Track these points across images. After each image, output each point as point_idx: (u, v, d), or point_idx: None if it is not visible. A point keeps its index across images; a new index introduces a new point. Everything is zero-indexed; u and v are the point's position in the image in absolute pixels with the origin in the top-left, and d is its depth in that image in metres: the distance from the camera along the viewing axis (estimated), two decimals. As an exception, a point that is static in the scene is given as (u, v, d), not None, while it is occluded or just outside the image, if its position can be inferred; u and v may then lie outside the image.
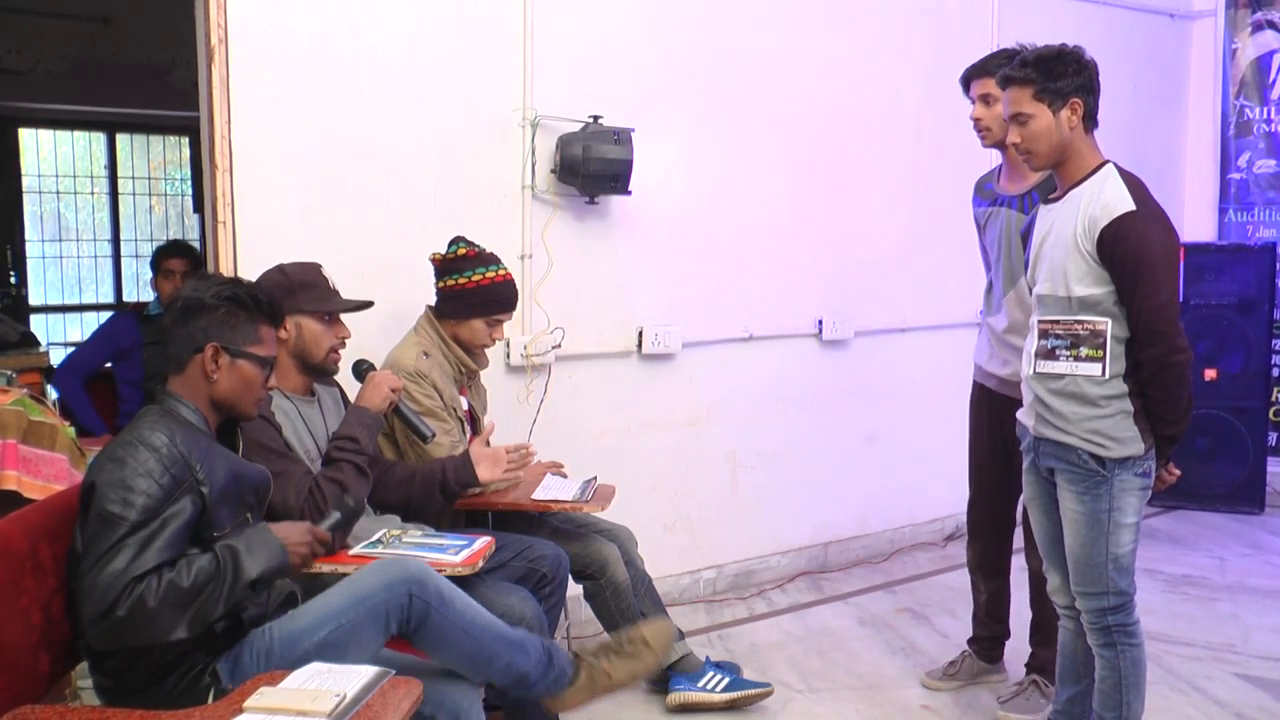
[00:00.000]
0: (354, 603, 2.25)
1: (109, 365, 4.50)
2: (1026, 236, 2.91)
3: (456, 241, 3.26)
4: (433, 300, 3.31)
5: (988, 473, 3.51)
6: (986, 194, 3.42)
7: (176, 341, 2.25)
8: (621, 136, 3.78)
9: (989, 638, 3.62)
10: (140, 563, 1.96)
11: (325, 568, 2.55)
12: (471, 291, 3.22)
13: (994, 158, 3.50)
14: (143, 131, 8.11)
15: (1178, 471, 2.81)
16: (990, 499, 3.52)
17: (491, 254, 3.28)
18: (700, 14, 4.24)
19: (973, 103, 3.29)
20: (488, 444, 3.09)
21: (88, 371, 4.44)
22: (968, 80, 3.31)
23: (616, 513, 3.34)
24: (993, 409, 3.43)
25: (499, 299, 3.26)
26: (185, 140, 8.11)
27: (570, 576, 3.19)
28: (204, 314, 2.23)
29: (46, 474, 2.87)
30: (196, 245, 5.58)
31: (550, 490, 3.19)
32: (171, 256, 4.58)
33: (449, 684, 2.31)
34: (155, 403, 2.23)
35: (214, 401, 2.26)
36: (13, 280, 7.46)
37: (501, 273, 3.26)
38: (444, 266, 3.25)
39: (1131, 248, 2.55)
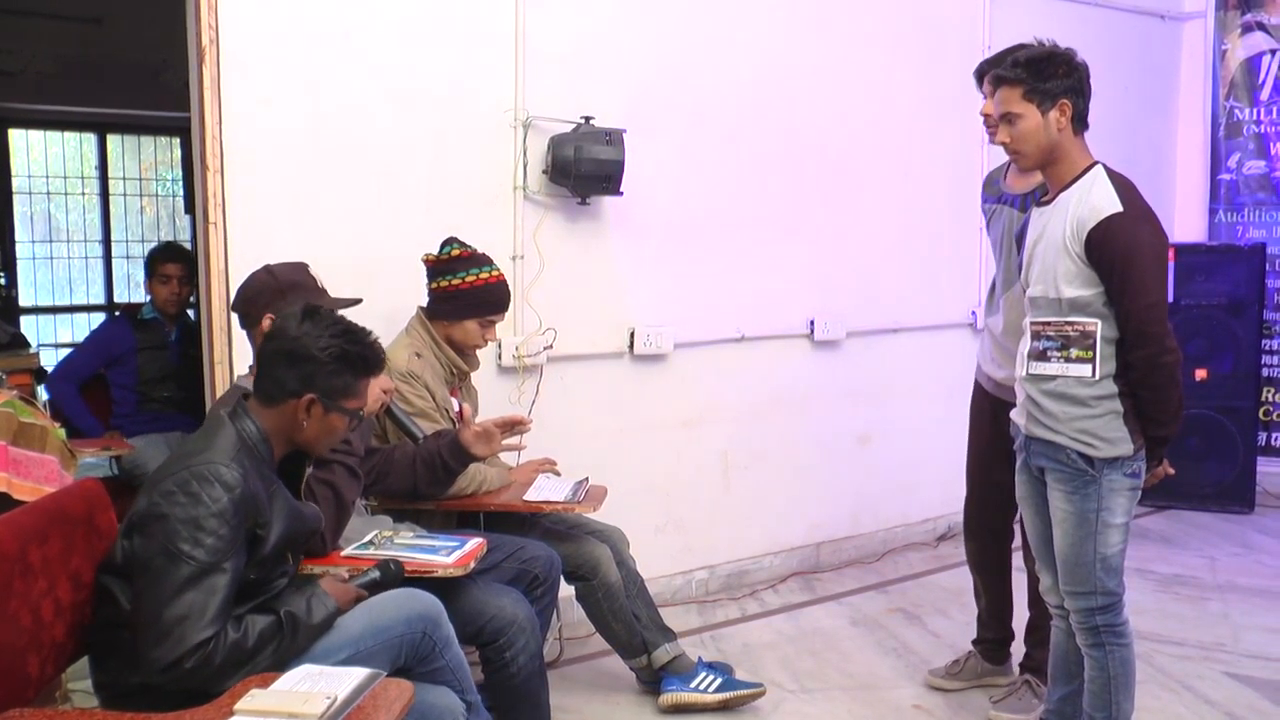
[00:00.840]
0: (373, 631, 2.29)
1: (103, 370, 4.49)
2: (1021, 238, 2.91)
3: (450, 243, 3.26)
4: (424, 301, 3.31)
5: (984, 472, 3.50)
6: (993, 190, 3.42)
7: (274, 380, 2.25)
8: (613, 137, 3.77)
9: (993, 640, 3.61)
10: (207, 620, 2.01)
11: (316, 569, 2.55)
12: (465, 292, 3.21)
13: (997, 154, 3.48)
14: (134, 132, 8.08)
15: (1172, 470, 2.82)
16: (985, 499, 3.51)
17: (484, 255, 3.28)
18: (691, 15, 4.24)
19: (985, 97, 3.29)
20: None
21: (81, 378, 4.43)
22: (982, 74, 3.30)
23: (608, 514, 3.34)
24: (991, 411, 3.44)
25: (492, 300, 3.26)
26: (176, 141, 8.09)
27: (562, 578, 3.19)
28: (310, 363, 2.23)
29: (36, 476, 2.85)
30: (188, 246, 5.56)
31: (542, 491, 3.19)
32: (167, 261, 4.55)
33: (431, 692, 2.32)
34: (230, 419, 2.23)
35: (294, 441, 2.29)
36: (2, 281, 7.43)
37: (494, 274, 3.26)
38: (437, 267, 3.24)
39: (1119, 249, 2.56)
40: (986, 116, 3.28)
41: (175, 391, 4.46)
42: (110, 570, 2.15)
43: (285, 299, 2.74)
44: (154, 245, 4.96)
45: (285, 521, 2.22)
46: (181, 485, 2.08)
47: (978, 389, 3.53)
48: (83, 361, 4.50)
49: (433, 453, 2.97)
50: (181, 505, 2.05)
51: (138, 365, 4.44)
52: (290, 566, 2.32)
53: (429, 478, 2.98)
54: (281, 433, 2.27)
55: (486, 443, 2.98)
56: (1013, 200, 3.28)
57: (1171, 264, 5.44)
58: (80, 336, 6.19)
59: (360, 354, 2.29)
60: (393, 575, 2.46)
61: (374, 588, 2.41)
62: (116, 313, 4.58)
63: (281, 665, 2.10)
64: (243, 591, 2.14)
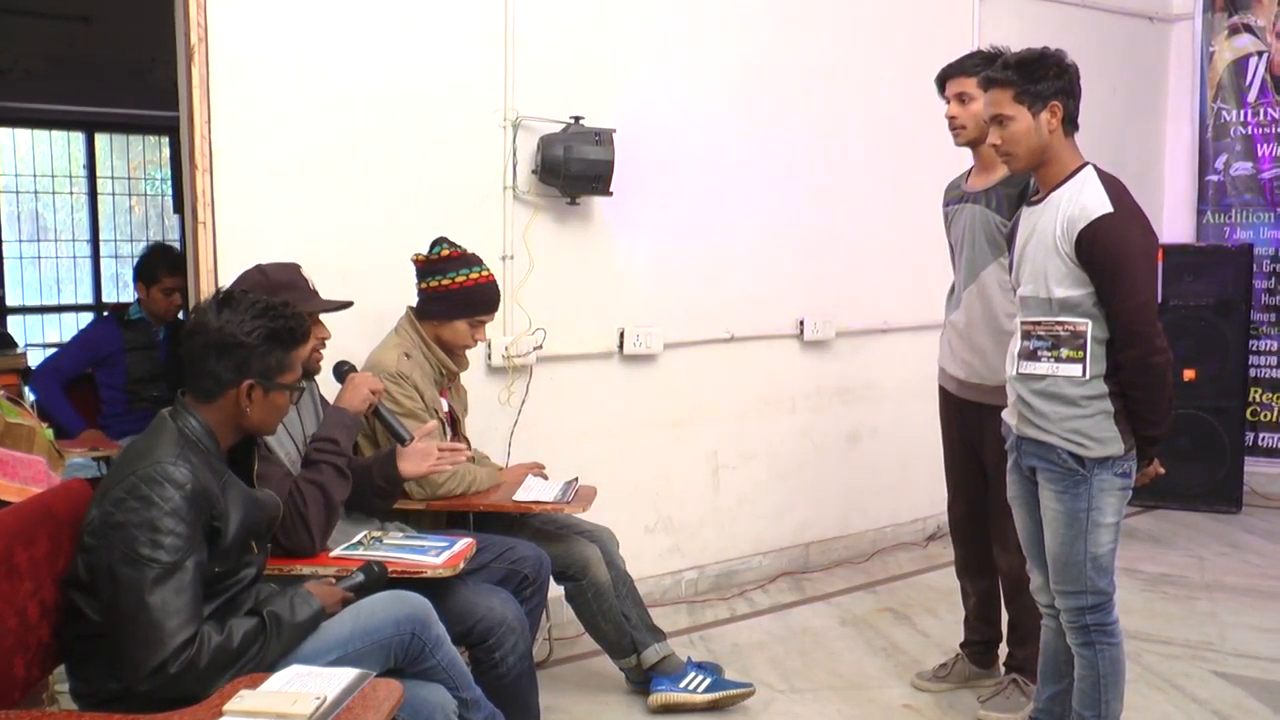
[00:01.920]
0: (361, 634, 2.28)
1: (90, 369, 4.46)
2: (1011, 239, 2.92)
3: (440, 243, 3.25)
4: (414, 301, 3.31)
5: (961, 476, 3.52)
6: (954, 193, 3.45)
7: (207, 375, 2.22)
8: (603, 137, 3.78)
9: (980, 642, 3.61)
10: (184, 619, 2.00)
11: (305, 569, 2.55)
12: (455, 293, 3.21)
13: (969, 158, 3.51)
14: (122, 131, 8.06)
15: (1163, 470, 2.83)
16: (965, 501, 3.52)
17: (474, 255, 3.28)
18: (681, 15, 4.24)
19: (947, 101, 3.32)
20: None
21: (66, 376, 4.40)
22: (943, 80, 3.34)
23: (598, 514, 3.34)
24: (956, 413, 3.46)
25: (482, 300, 3.25)
26: (165, 140, 8.06)
27: (552, 578, 3.18)
28: (240, 350, 2.21)
29: (24, 476, 2.83)
30: (176, 245, 5.53)
31: (531, 492, 3.20)
32: (170, 274, 4.47)
33: (422, 688, 2.31)
34: (171, 418, 2.21)
35: (241, 428, 2.28)
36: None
37: (484, 274, 3.26)
38: (427, 267, 3.23)
39: (1110, 249, 2.57)
40: (952, 119, 3.31)
41: (165, 391, 4.44)
42: (73, 584, 2.12)
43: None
44: (150, 248, 4.87)
45: (242, 511, 2.20)
46: (131, 491, 2.05)
47: (942, 394, 3.54)
48: (68, 360, 4.49)
49: (367, 464, 2.93)
50: (134, 510, 2.03)
51: (126, 365, 4.42)
52: (256, 556, 2.29)
53: (358, 489, 2.87)
54: (226, 423, 2.25)
55: (420, 459, 2.90)
56: (974, 197, 3.31)
57: (1160, 265, 5.47)
58: (69, 336, 6.15)
59: (287, 328, 2.27)
60: (376, 577, 2.46)
61: (359, 590, 2.41)
62: (105, 313, 4.54)
63: (269, 666, 2.10)
64: (211, 585, 2.13)
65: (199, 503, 2.09)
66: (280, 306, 2.30)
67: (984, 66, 3.02)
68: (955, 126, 3.31)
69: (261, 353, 2.22)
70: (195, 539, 2.07)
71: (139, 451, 2.14)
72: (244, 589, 2.24)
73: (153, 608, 1.99)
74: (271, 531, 2.39)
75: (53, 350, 5.95)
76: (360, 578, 2.44)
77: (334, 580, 2.42)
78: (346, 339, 3.18)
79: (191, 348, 2.25)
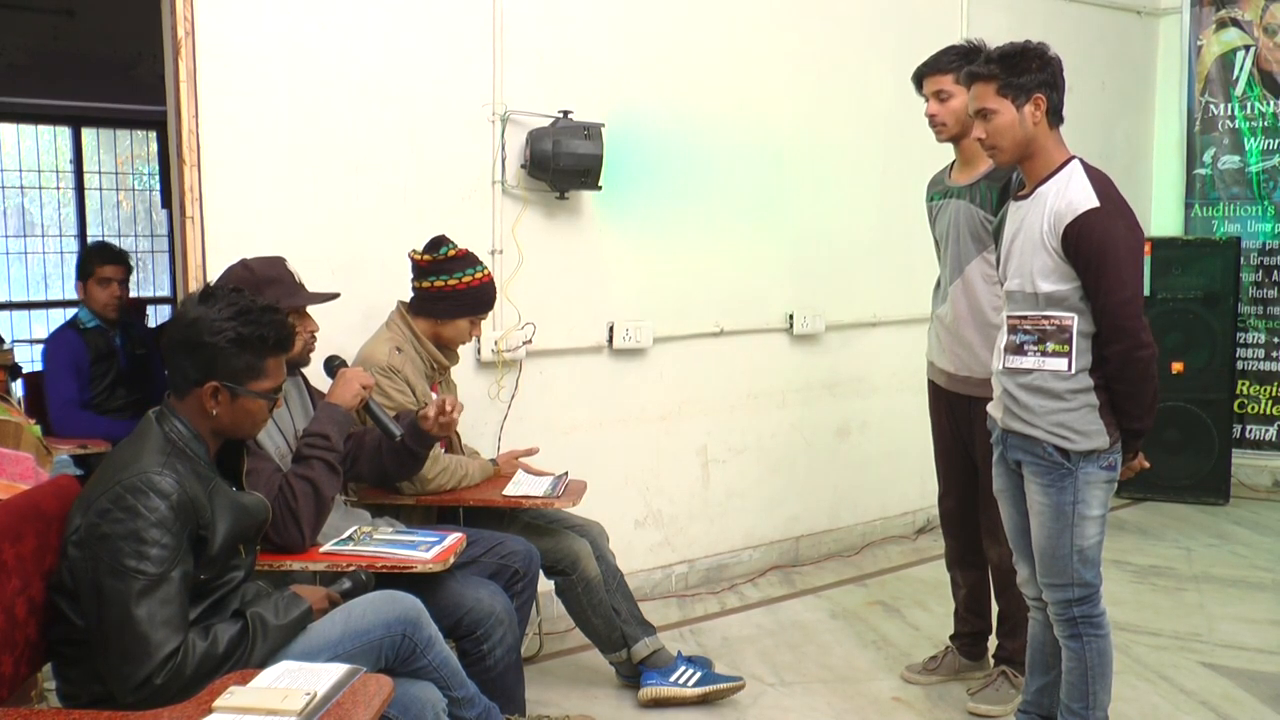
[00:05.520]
0: (352, 636, 2.27)
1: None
2: (998, 233, 2.93)
3: (444, 243, 3.24)
4: (404, 296, 3.30)
5: (951, 468, 3.53)
6: (937, 188, 3.46)
7: (177, 371, 2.19)
8: (592, 131, 3.77)
9: (970, 634, 3.62)
10: (170, 630, 1.99)
11: (295, 565, 2.55)
12: (462, 293, 3.22)
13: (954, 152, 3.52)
14: (110, 126, 8.02)
15: (1148, 464, 2.84)
16: (956, 494, 3.53)
17: (474, 254, 3.28)
18: (671, 9, 4.24)
19: (926, 99, 3.33)
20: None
21: (81, 400, 4.17)
22: (920, 78, 3.35)
23: (588, 508, 3.35)
24: (946, 406, 3.47)
25: (484, 299, 3.28)
26: (153, 135, 8.03)
27: (542, 572, 3.19)
28: (205, 350, 2.16)
29: (11, 473, 2.83)
30: (163, 240, 5.47)
31: (521, 486, 3.20)
32: (105, 263, 4.29)
33: (413, 686, 2.31)
34: (157, 421, 2.18)
35: (217, 431, 2.24)
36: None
37: (485, 273, 3.28)
38: (432, 267, 3.22)
39: (1096, 243, 2.58)
40: (931, 116, 3.32)
41: (126, 396, 4.30)
42: (59, 589, 2.10)
43: (263, 294, 2.72)
44: (84, 248, 4.68)
45: (229, 517, 2.17)
46: (116, 501, 2.02)
47: (931, 387, 3.55)
48: (68, 385, 4.17)
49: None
50: (120, 521, 2.00)
51: (90, 379, 4.22)
52: (243, 560, 2.26)
53: (396, 461, 2.98)
54: (202, 425, 2.20)
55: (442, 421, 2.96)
56: (958, 191, 3.33)
57: (1148, 258, 5.50)
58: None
59: (258, 334, 2.19)
60: (363, 584, 2.46)
61: (345, 595, 2.40)
62: (76, 326, 4.27)
63: (256, 667, 2.09)
64: (197, 589, 2.11)
65: (185, 512, 2.06)
66: (260, 311, 2.23)
67: (960, 63, 3.03)
68: (936, 124, 3.32)
69: (228, 355, 2.17)
70: (181, 549, 2.05)
71: (124, 460, 2.11)
72: (231, 590, 2.22)
73: (139, 620, 1.97)
74: (260, 535, 2.38)
75: (39, 345, 5.88)
76: (347, 584, 2.44)
77: (318, 583, 2.42)
78: (336, 334, 3.18)
79: (165, 341, 2.23)
